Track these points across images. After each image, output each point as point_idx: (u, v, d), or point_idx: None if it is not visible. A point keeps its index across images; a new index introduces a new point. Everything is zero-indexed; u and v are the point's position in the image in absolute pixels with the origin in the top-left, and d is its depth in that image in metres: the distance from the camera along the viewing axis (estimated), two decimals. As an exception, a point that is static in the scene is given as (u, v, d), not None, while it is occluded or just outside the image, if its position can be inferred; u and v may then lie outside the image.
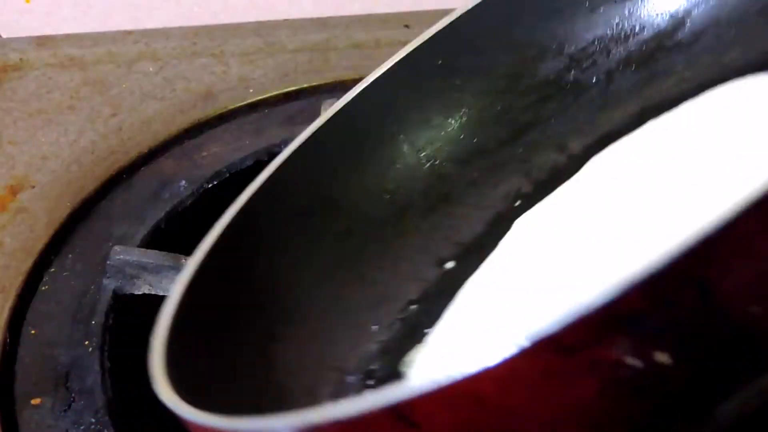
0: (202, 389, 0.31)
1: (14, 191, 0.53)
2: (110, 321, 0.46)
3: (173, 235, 0.51)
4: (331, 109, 0.43)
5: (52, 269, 0.50)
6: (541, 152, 0.45)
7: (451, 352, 0.37)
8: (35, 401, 0.44)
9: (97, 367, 0.44)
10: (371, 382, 0.38)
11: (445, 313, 0.40)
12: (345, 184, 0.43)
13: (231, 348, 0.35)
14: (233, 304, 0.37)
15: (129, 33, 0.64)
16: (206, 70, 0.62)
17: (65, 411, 0.43)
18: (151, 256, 0.47)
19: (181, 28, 0.65)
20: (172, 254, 0.47)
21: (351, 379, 0.38)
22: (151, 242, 0.50)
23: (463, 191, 0.44)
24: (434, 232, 0.43)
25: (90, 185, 0.54)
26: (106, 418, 0.43)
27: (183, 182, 0.54)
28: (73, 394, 0.44)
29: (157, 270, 0.47)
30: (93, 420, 0.43)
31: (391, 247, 0.42)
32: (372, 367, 0.39)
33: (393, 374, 0.38)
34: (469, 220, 0.44)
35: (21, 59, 0.62)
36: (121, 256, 0.47)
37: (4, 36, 0.66)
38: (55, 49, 0.63)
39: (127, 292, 0.47)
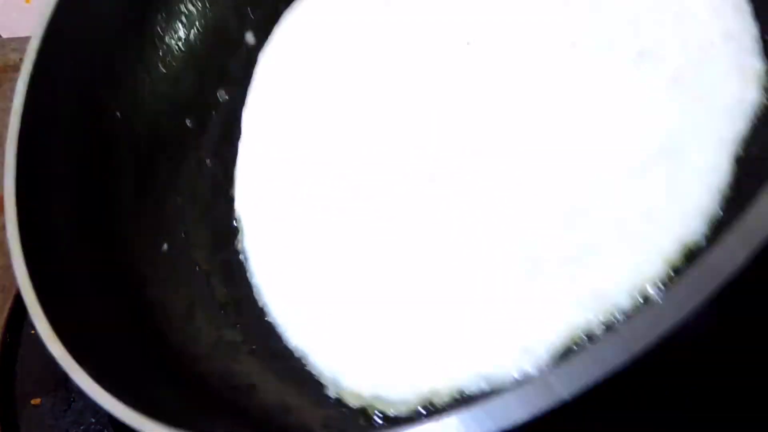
0: None
1: (14, 191, 0.53)
2: (110, 321, 0.46)
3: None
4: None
5: (52, 269, 0.50)
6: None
7: None
8: (35, 401, 0.44)
9: (97, 367, 0.44)
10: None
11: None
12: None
13: None
14: None
15: (129, 33, 0.64)
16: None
17: (65, 411, 0.43)
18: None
19: (181, 28, 0.65)
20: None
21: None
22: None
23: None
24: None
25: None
26: (106, 418, 0.43)
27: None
28: (73, 394, 0.44)
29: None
30: (93, 420, 0.43)
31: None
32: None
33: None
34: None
35: (21, 59, 0.62)
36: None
37: (4, 36, 0.66)
38: (55, 49, 0.63)
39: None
